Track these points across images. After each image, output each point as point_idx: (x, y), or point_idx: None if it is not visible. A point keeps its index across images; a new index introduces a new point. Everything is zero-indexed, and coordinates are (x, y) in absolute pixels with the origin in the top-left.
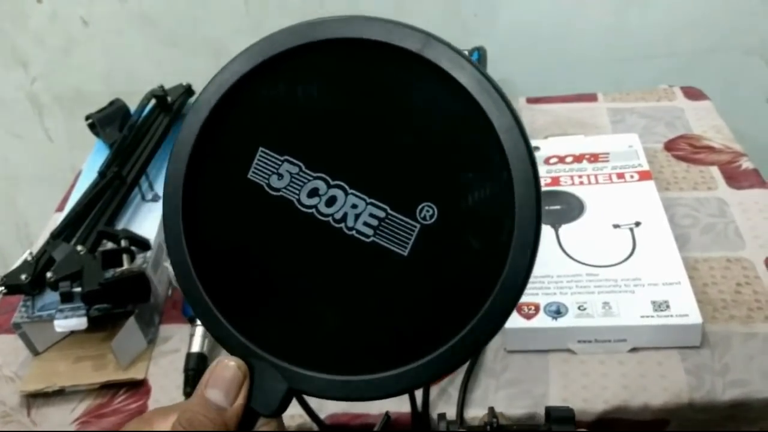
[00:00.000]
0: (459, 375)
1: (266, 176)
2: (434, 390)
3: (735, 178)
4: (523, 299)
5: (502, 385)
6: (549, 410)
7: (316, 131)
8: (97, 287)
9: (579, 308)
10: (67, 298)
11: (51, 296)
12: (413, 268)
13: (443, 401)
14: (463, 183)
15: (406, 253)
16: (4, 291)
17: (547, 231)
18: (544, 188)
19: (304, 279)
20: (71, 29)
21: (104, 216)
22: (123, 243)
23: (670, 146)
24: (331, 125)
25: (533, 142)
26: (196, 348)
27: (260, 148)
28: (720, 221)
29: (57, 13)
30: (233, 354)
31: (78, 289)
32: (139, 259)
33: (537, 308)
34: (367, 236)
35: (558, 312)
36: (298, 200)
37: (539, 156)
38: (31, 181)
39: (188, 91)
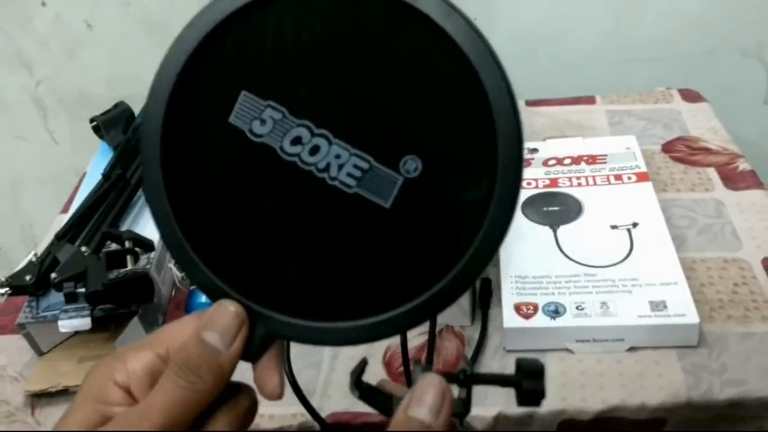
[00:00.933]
0: None
1: (248, 121)
2: None
3: (732, 179)
4: (522, 299)
5: None
6: (519, 362)
7: (301, 77)
8: (101, 288)
9: (577, 308)
10: (71, 298)
11: (55, 297)
12: (395, 220)
13: None
14: (447, 138)
15: (388, 206)
16: (9, 292)
17: (545, 232)
18: (542, 190)
19: (285, 227)
20: (75, 32)
21: (108, 217)
22: (127, 244)
23: (667, 148)
24: (316, 72)
25: (532, 145)
26: None
27: (243, 92)
28: (717, 222)
29: (61, 16)
30: (212, 299)
31: (82, 290)
32: (143, 260)
33: (535, 308)
34: (350, 187)
35: (556, 312)
36: (281, 148)
37: (538, 158)
38: (36, 183)
39: None
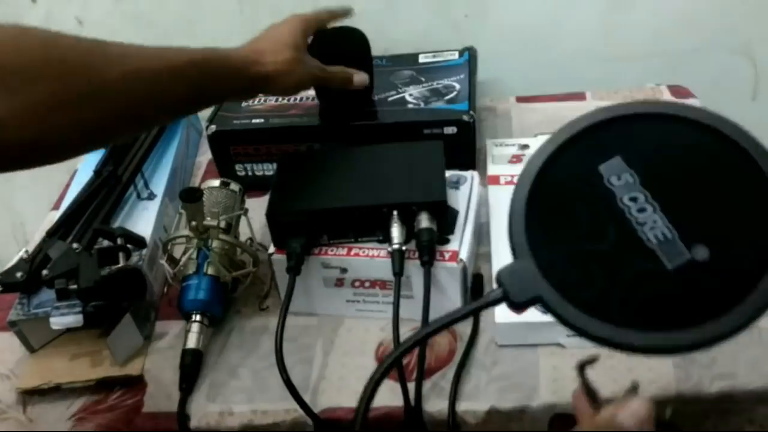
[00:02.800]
0: (451, 369)
1: (610, 173)
2: (426, 384)
3: None
4: None
5: (493, 378)
6: None
7: (657, 167)
8: (92, 284)
9: None
10: (63, 295)
11: (47, 294)
12: (671, 278)
13: (435, 394)
14: (737, 240)
15: (670, 268)
16: (0, 289)
17: None
18: None
19: (598, 248)
20: (66, 29)
21: (100, 214)
22: (119, 241)
23: None
24: (662, 170)
25: (523, 141)
26: (191, 344)
27: (618, 156)
28: None
29: (51, 13)
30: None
31: (74, 287)
32: (135, 256)
33: None
34: (651, 242)
35: None
36: (621, 198)
37: (529, 154)
38: (27, 180)
39: None
